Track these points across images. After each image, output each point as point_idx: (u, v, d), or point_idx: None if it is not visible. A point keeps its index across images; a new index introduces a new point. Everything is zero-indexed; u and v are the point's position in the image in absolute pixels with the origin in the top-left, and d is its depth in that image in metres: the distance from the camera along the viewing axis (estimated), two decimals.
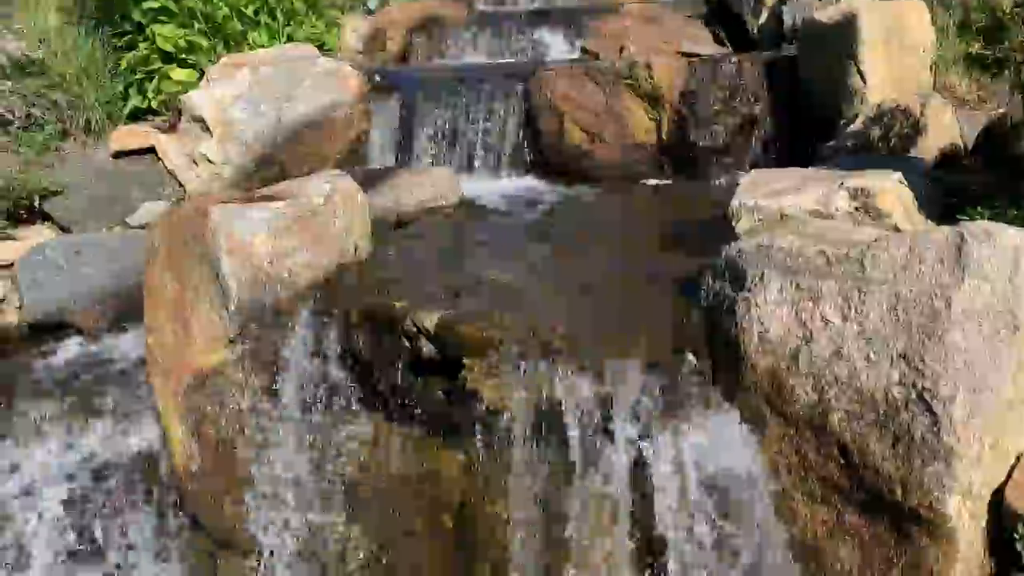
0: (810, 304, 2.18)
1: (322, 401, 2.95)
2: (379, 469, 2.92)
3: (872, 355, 2.08)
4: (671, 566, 2.25)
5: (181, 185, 4.50)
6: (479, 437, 2.58)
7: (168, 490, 3.23)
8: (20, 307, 3.93)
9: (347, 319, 2.86)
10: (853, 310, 2.13)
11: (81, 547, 3.15)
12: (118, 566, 3.20)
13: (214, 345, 3.02)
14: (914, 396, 2.01)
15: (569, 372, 2.36)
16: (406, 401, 2.81)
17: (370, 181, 4.00)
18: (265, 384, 3.02)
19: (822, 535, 2.16)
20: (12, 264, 3.95)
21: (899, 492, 2.00)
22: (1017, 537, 2.01)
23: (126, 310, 3.82)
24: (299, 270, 3.00)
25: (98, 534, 3.17)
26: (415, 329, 2.68)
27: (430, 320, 2.65)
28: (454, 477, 2.74)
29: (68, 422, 3.23)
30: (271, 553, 3.06)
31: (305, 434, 2.96)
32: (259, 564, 3.07)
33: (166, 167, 4.49)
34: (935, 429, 1.97)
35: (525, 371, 2.41)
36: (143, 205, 4.34)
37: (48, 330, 3.82)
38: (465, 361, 2.54)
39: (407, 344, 2.72)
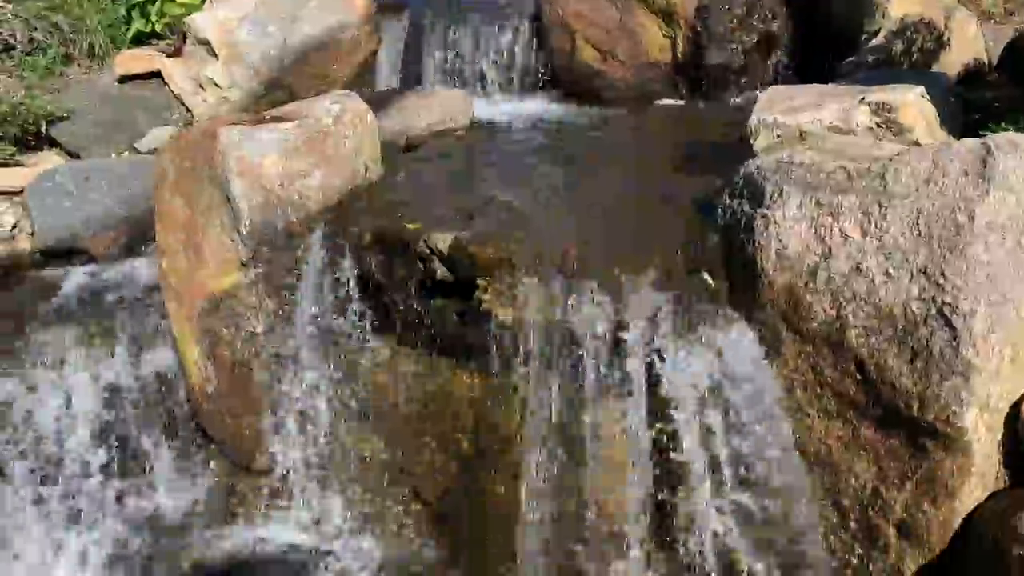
0: (829, 220, 2.15)
1: (336, 324, 2.96)
2: (394, 390, 2.94)
3: (892, 270, 2.06)
4: (686, 482, 2.27)
5: (188, 110, 4.44)
6: (493, 357, 2.59)
7: (186, 412, 3.27)
8: (32, 234, 3.92)
9: (360, 242, 2.84)
10: (873, 225, 2.09)
11: (102, 471, 3.20)
12: (138, 489, 3.26)
13: (227, 268, 3.02)
14: (934, 311, 1.99)
15: (583, 291, 2.34)
16: (420, 323, 2.81)
17: (379, 104, 3.92)
18: (279, 307, 3.02)
19: (837, 450, 2.17)
20: (22, 191, 3.93)
21: (916, 407, 2.00)
22: None
23: (138, 236, 3.81)
24: (310, 193, 2.97)
25: (117, 457, 3.22)
26: (428, 251, 2.66)
27: (443, 241, 2.63)
28: (469, 397, 2.76)
29: (85, 347, 3.25)
30: (288, 473, 3.11)
31: (319, 356, 2.98)
32: (277, 484, 3.12)
33: (172, 91, 4.42)
34: (954, 344, 1.96)
35: (538, 291, 2.39)
36: (150, 131, 4.29)
37: (60, 256, 3.83)
38: (479, 282, 2.53)
39: (420, 266, 2.71)
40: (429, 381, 2.86)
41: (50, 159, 4.13)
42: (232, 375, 3.05)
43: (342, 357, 2.96)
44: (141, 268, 3.57)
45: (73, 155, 4.20)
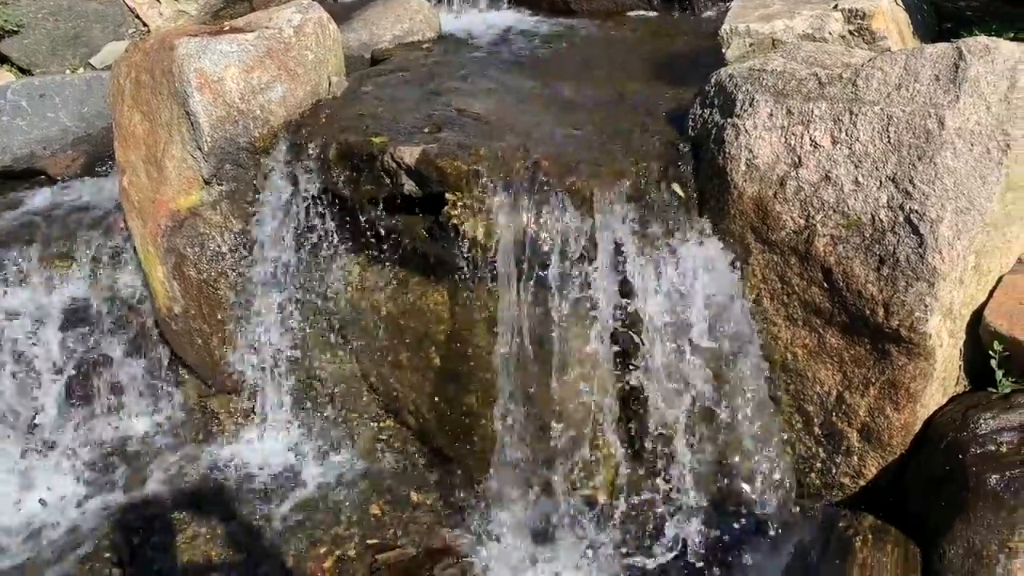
0: (800, 128, 2.13)
1: (303, 242, 2.92)
2: (365, 308, 2.93)
3: (861, 179, 2.05)
4: (652, 390, 2.29)
5: (144, 24, 4.28)
6: (463, 273, 2.58)
7: (154, 334, 3.24)
8: None
9: (325, 157, 2.78)
10: (844, 133, 2.08)
11: (72, 394, 3.18)
12: (109, 408, 3.24)
13: (189, 186, 2.95)
14: (901, 218, 2.00)
15: (552, 203, 2.32)
16: (389, 239, 2.78)
17: (343, 15, 3.81)
18: (244, 226, 2.97)
19: (803, 358, 2.20)
20: None
21: (881, 314, 2.02)
22: (992, 354, 2.05)
23: (97, 156, 3.72)
24: (273, 107, 2.89)
25: (85, 378, 3.19)
26: (395, 165, 2.61)
27: (410, 155, 2.58)
28: (439, 313, 2.75)
29: (48, 268, 3.19)
30: (259, 392, 3.11)
31: (287, 275, 2.95)
32: (248, 404, 3.12)
33: (127, 4, 4.25)
34: (920, 250, 1.97)
35: (507, 204, 2.37)
36: (106, 46, 4.15)
37: (18, 177, 3.72)
38: (447, 196, 2.49)
39: (387, 181, 2.66)
40: (400, 298, 2.85)
41: (1, 75, 3.99)
42: (199, 295, 3.01)
43: (310, 275, 2.93)
44: (104, 188, 3.48)
45: (25, 71, 4.05)
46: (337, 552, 2.67)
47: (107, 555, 2.70)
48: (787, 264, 2.16)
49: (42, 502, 2.93)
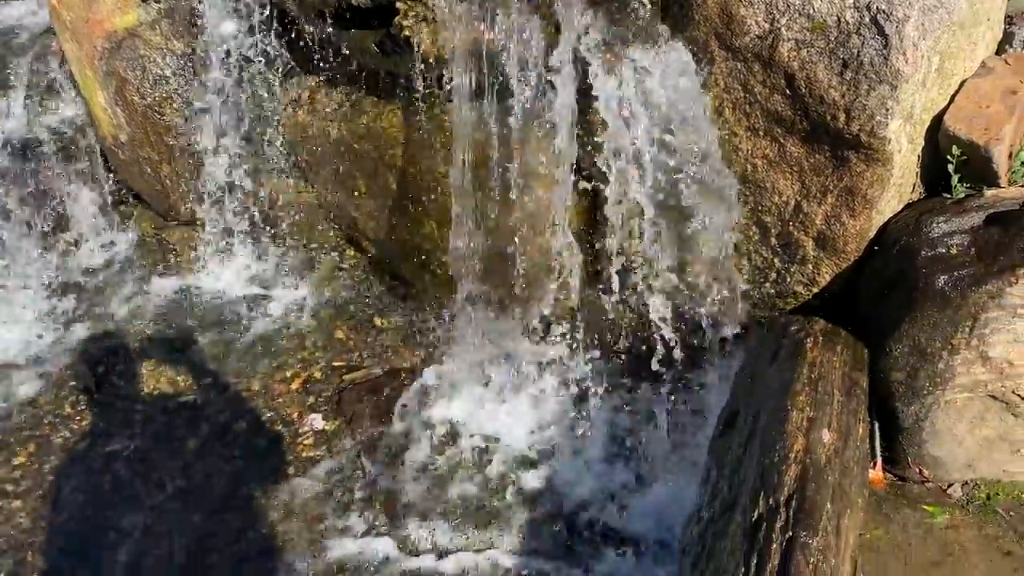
0: None
1: (248, 63, 2.79)
2: (317, 133, 2.84)
3: None
4: (611, 206, 2.28)
5: None
6: (416, 91, 2.49)
7: (102, 165, 3.14)
8: None
9: None
10: None
11: (24, 232, 3.11)
12: (70, 242, 3.18)
13: (125, 4, 2.78)
14: (867, 19, 1.93)
15: (510, 10, 2.21)
16: (339, 57, 2.66)
17: None
18: (186, 47, 2.83)
19: (762, 168, 2.18)
20: None
21: (842, 119, 2.00)
22: (950, 159, 2.05)
23: None
24: None
25: (36, 213, 3.11)
26: None
27: None
28: (394, 136, 2.68)
29: None
30: (213, 222, 3.06)
31: (234, 99, 2.83)
32: (206, 234, 3.07)
33: None
34: (885, 52, 1.92)
35: (462, 12, 2.25)
36: None
37: None
38: (398, 5, 2.36)
39: None
40: (353, 121, 2.76)
41: None
42: (145, 122, 2.90)
43: (258, 97, 2.82)
44: (28, 10, 3.27)
45: None
46: (304, 374, 2.71)
47: (72, 384, 2.71)
48: (750, 71, 2.11)
49: None
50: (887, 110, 1.95)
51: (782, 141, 2.14)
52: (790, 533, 1.60)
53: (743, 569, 1.60)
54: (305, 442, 2.51)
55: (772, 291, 2.32)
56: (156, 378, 2.71)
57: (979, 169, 2.04)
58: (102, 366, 2.77)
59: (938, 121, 2.08)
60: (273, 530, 2.29)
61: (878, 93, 1.94)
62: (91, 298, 3.05)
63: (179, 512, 2.33)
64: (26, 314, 3.00)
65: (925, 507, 1.94)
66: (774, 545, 1.60)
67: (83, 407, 2.63)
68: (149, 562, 2.22)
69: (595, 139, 2.27)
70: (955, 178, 2.06)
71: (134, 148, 2.96)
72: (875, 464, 2.00)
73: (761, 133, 2.16)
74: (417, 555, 2.23)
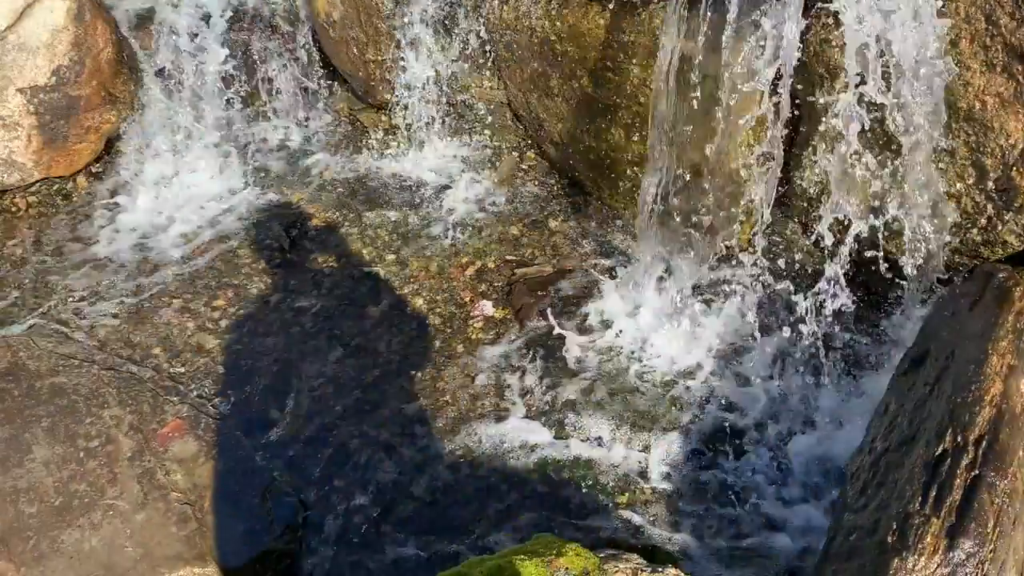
0: None
1: None
2: (521, 28, 2.86)
3: None
4: (822, 142, 2.21)
5: None
6: None
7: (311, 42, 3.28)
8: None
9: None
10: None
11: (231, 89, 3.28)
12: (264, 111, 3.37)
13: None
14: None
15: None
16: None
17: None
18: None
19: (992, 107, 2.06)
20: None
21: None
22: None
23: None
24: None
25: (244, 83, 3.29)
26: None
27: None
28: (598, 36, 2.67)
29: None
30: (407, 110, 3.16)
31: None
32: (400, 119, 3.19)
33: None
34: None
35: None
36: None
37: None
38: None
39: None
40: (559, 20, 2.76)
41: None
42: (358, 2, 3.00)
43: None
44: None
45: None
46: (478, 263, 2.80)
47: (268, 241, 2.91)
48: (999, 2, 1.98)
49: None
50: None
51: (1020, 79, 2.01)
52: (976, 472, 1.56)
53: (920, 498, 1.57)
54: (475, 325, 2.61)
55: (979, 238, 2.21)
56: (343, 247, 2.87)
57: None
58: (295, 229, 2.95)
59: None
60: (437, 400, 2.41)
61: None
62: (287, 167, 3.23)
63: (355, 368, 2.49)
64: (232, 170, 3.21)
65: None
66: (957, 480, 1.56)
67: (277, 264, 2.82)
68: (325, 406, 2.39)
69: (814, 67, 2.19)
70: None
71: (344, 27, 3.08)
72: None
73: (999, 69, 2.03)
74: (570, 445, 2.30)
